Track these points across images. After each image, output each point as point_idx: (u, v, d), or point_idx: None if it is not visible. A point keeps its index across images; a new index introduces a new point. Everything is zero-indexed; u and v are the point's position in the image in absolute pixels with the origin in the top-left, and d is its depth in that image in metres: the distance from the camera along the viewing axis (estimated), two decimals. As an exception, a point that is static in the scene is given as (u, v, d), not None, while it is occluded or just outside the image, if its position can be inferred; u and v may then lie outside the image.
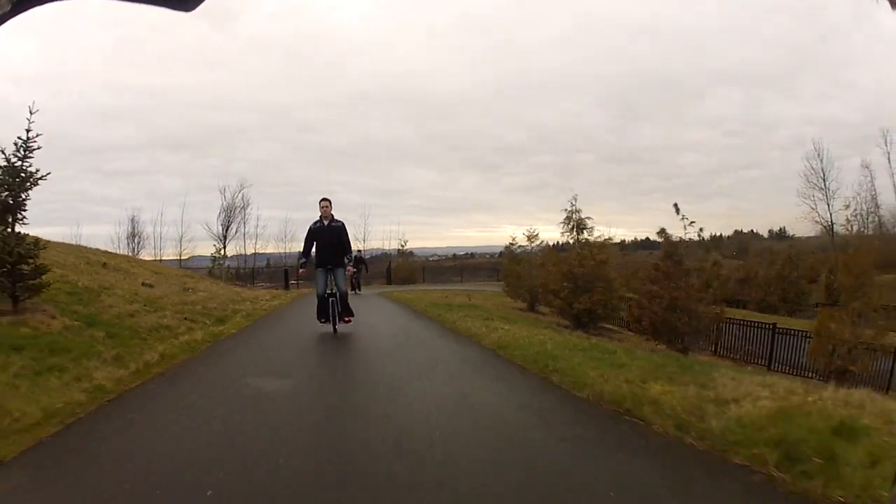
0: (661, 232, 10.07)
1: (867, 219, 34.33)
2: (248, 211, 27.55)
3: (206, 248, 26.95)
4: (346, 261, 6.76)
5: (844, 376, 8.69)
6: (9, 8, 0.79)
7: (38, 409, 3.15)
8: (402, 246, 31.71)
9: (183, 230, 27.01)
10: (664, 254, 9.58)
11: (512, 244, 17.39)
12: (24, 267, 5.62)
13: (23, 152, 5.85)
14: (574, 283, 10.82)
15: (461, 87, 77.77)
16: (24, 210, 5.85)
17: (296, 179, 61.85)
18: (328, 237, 6.68)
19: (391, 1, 75.77)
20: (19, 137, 5.87)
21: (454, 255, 58.28)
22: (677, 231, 10.04)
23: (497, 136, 75.79)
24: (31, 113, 5.88)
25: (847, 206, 31.98)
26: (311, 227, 6.85)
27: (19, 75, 37.26)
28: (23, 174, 5.83)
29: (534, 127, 73.40)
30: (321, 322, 6.75)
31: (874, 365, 8.96)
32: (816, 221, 35.45)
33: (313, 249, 6.89)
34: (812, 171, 34.60)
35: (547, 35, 76.34)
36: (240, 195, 27.02)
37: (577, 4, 75.90)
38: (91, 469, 2.49)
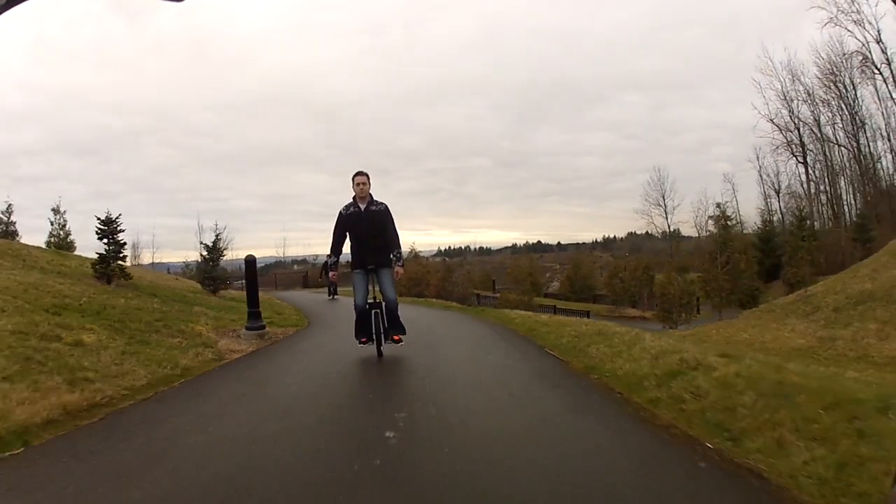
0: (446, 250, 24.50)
1: (705, 225, 38.62)
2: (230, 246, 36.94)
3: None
4: (393, 258, 4.95)
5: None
6: (4, 2, 0.76)
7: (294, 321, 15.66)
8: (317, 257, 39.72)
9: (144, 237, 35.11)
10: (444, 265, 24.27)
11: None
12: (220, 280, 17.36)
13: (216, 236, 17.56)
14: (413, 281, 24.82)
15: (358, 90, 76.62)
16: (219, 261, 17.53)
17: (189, 185, 63.31)
18: (368, 226, 4.89)
19: (295, 1, 69.62)
20: (215, 232, 17.50)
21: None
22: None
23: (390, 141, 75.01)
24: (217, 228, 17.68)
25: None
26: (341, 213, 4.97)
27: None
28: (218, 245, 17.55)
29: (429, 131, 74.62)
30: (361, 343, 5.12)
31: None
32: (660, 232, 43.10)
33: (346, 243, 5.07)
34: (652, 190, 41.88)
35: (448, 39, 76.68)
36: (224, 231, 36.74)
37: (481, 9, 73.62)
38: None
